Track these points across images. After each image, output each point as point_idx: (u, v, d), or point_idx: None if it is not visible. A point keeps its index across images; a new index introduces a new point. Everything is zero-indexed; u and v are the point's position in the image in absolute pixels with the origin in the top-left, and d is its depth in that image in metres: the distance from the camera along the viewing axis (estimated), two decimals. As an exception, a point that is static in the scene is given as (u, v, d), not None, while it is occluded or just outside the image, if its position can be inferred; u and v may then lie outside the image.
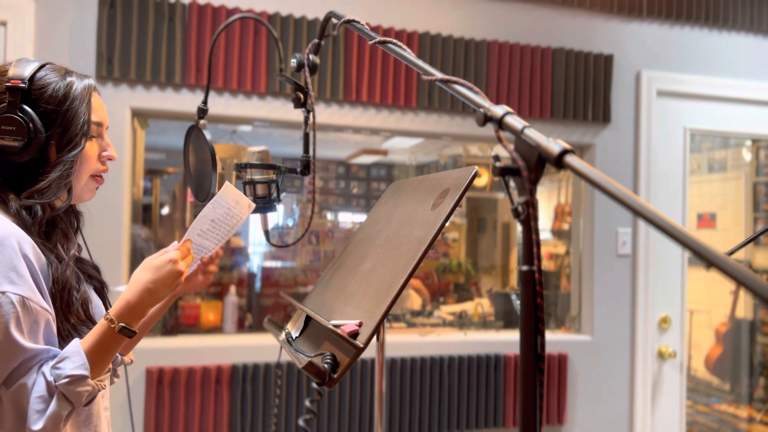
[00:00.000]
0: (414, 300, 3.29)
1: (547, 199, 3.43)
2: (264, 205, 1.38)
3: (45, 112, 0.97)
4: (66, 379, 0.86)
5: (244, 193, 1.38)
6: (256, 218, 1.41)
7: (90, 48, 2.21)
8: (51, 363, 0.88)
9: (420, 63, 0.90)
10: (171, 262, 0.98)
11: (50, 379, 0.87)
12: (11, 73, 0.97)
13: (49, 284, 0.94)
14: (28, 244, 0.91)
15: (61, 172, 0.97)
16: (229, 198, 1.14)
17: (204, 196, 1.34)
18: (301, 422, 1.06)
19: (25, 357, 0.87)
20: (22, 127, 0.94)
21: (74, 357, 0.88)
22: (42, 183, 0.96)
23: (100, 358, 0.91)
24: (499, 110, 0.69)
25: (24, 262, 0.89)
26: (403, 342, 2.53)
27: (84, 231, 1.13)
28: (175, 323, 2.64)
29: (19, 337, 0.87)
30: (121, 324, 0.92)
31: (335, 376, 0.95)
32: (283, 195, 1.40)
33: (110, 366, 0.96)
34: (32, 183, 0.97)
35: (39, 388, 0.86)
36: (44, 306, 0.91)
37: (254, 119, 2.40)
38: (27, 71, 0.97)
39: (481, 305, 3.22)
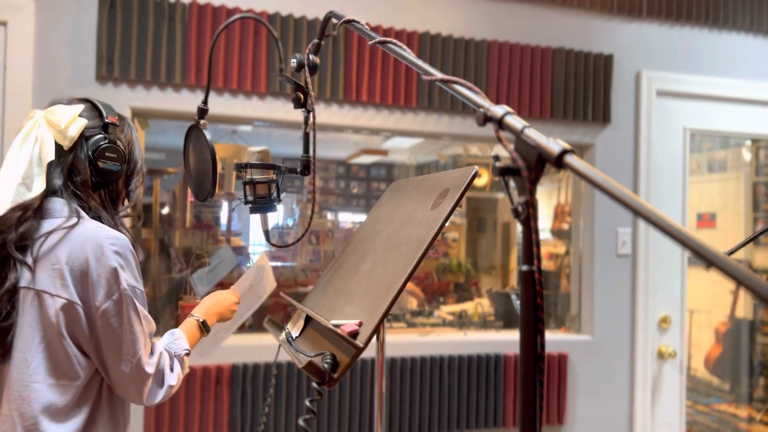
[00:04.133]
0: (409, 302, 3.29)
1: (547, 199, 3.43)
2: (264, 205, 1.38)
3: (124, 142, 1.23)
4: (184, 351, 1.22)
5: (244, 193, 1.39)
6: (256, 218, 1.41)
7: (90, 48, 2.21)
8: (166, 342, 1.23)
9: (420, 63, 0.90)
10: (233, 303, 1.43)
11: (171, 352, 1.20)
12: (103, 111, 1.21)
13: None
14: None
15: (136, 188, 1.27)
16: (262, 272, 1.52)
17: (204, 196, 1.34)
18: (301, 422, 1.06)
19: (152, 333, 1.15)
20: (121, 155, 1.20)
21: (181, 339, 1.25)
22: (132, 198, 1.27)
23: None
24: (499, 110, 0.69)
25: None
26: (403, 342, 2.53)
27: None
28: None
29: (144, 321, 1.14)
30: (203, 318, 1.33)
31: (335, 375, 0.96)
32: (283, 195, 1.40)
33: None
34: (116, 199, 1.23)
35: (166, 358, 1.17)
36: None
37: (254, 119, 2.40)
38: (109, 110, 1.22)
39: (481, 305, 3.22)
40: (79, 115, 1.16)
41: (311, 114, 1.33)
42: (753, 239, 1.27)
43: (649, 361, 2.80)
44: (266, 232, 1.45)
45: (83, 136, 1.16)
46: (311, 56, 1.28)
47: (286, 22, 2.36)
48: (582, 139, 2.77)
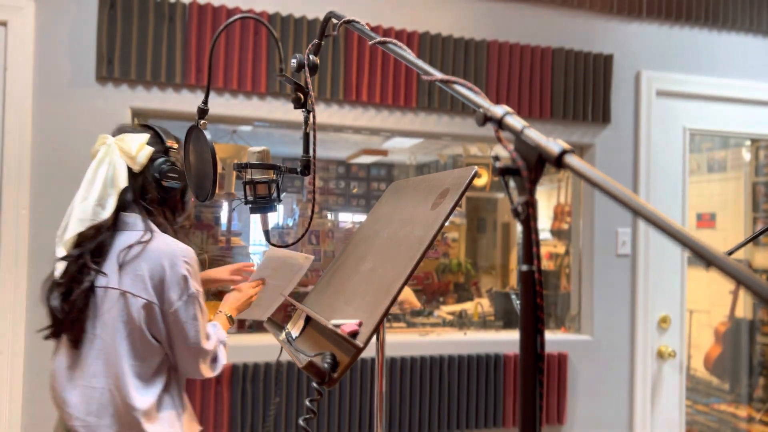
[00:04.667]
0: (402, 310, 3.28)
1: (547, 199, 3.44)
2: (264, 205, 1.38)
3: (181, 161, 1.46)
4: (225, 339, 1.49)
5: (244, 193, 1.40)
6: (256, 218, 1.41)
7: (90, 48, 2.21)
8: (213, 330, 1.46)
9: (420, 63, 0.90)
10: (250, 297, 1.63)
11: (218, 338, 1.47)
12: (165, 138, 1.45)
13: None
14: None
15: (189, 199, 1.50)
16: (278, 256, 1.64)
17: (204, 196, 1.34)
18: (301, 422, 1.06)
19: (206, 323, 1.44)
20: (180, 173, 1.42)
21: (221, 330, 1.49)
22: (186, 207, 1.51)
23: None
24: (498, 110, 0.69)
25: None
26: (403, 342, 2.53)
27: None
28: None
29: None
30: (229, 314, 1.56)
31: (335, 375, 0.96)
32: (283, 195, 1.40)
33: None
34: (174, 210, 1.47)
35: (218, 342, 1.45)
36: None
37: (254, 119, 2.40)
38: (169, 135, 1.46)
39: (481, 305, 3.23)
40: (147, 143, 1.39)
41: (311, 114, 1.33)
42: (753, 239, 1.27)
43: (648, 361, 2.80)
44: (266, 232, 1.45)
45: (150, 160, 1.39)
46: (311, 56, 1.28)
47: (286, 22, 2.36)
48: (582, 139, 2.77)
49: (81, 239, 1.32)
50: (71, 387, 1.32)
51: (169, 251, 1.34)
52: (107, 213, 1.34)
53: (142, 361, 1.33)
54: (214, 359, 1.44)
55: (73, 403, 1.31)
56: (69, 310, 1.30)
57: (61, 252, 1.33)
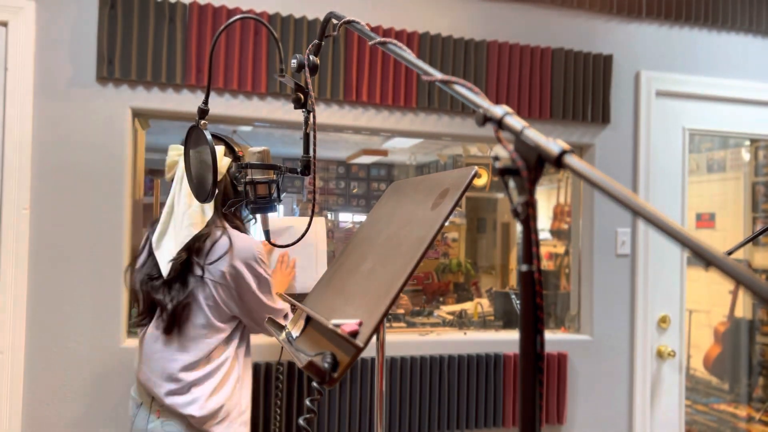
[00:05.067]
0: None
1: (547, 199, 3.44)
2: (264, 205, 1.39)
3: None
4: (289, 308, 1.73)
5: (245, 193, 1.40)
6: (257, 218, 1.42)
7: (90, 48, 2.21)
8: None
9: (420, 63, 0.91)
10: (288, 275, 1.97)
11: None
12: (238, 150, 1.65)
13: None
14: None
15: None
16: (287, 226, 1.90)
17: (204, 196, 1.34)
18: (301, 421, 1.06)
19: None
20: (247, 176, 1.60)
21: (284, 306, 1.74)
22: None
23: None
24: (498, 110, 0.69)
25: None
26: (403, 342, 2.53)
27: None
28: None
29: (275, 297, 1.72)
30: (278, 293, 1.75)
31: (335, 375, 0.96)
32: (283, 195, 1.41)
33: None
34: (240, 207, 1.68)
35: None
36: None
37: (254, 120, 2.40)
38: (234, 144, 1.68)
39: (480, 305, 3.23)
40: (224, 155, 1.59)
41: (311, 114, 1.33)
42: (752, 239, 1.27)
43: (648, 361, 2.81)
44: (266, 232, 1.46)
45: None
46: (311, 57, 1.28)
47: (287, 22, 2.36)
48: (581, 140, 2.77)
49: (190, 241, 1.56)
50: (157, 360, 1.59)
51: (245, 247, 1.59)
52: (209, 215, 1.59)
53: (218, 332, 1.60)
54: (286, 315, 1.72)
55: (160, 373, 1.58)
56: (176, 304, 1.56)
57: (168, 254, 1.57)
